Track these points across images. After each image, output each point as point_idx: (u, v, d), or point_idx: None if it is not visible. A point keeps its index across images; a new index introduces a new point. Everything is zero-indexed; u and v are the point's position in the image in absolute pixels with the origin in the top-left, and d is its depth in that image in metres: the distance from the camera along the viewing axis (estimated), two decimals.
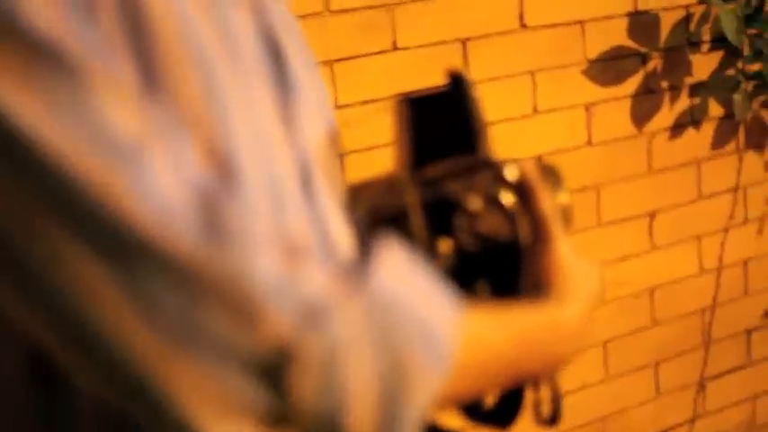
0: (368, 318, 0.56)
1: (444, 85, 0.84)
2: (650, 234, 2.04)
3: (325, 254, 0.57)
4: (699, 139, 2.06)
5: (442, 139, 0.81)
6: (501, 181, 0.82)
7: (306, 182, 0.62)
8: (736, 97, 1.97)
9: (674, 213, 2.06)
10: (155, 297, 0.49)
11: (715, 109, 2.06)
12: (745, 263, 2.18)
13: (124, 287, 0.49)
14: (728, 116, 2.08)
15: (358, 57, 1.70)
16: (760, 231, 2.17)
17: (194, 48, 0.53)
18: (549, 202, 0.77)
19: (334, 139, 0.76)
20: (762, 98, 2.04)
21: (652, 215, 2.03)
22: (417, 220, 0.79)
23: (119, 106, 0.49)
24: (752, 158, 2.13)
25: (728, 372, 2.22)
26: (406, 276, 0.60)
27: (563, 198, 0.86)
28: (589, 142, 1.94)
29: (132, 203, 0.49)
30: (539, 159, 0.79)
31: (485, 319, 0.65)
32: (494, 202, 0.81)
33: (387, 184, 0.83)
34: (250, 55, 0.59)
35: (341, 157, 0.70)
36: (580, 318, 0.73)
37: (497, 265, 0.82)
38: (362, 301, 0.55)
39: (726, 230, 2.14)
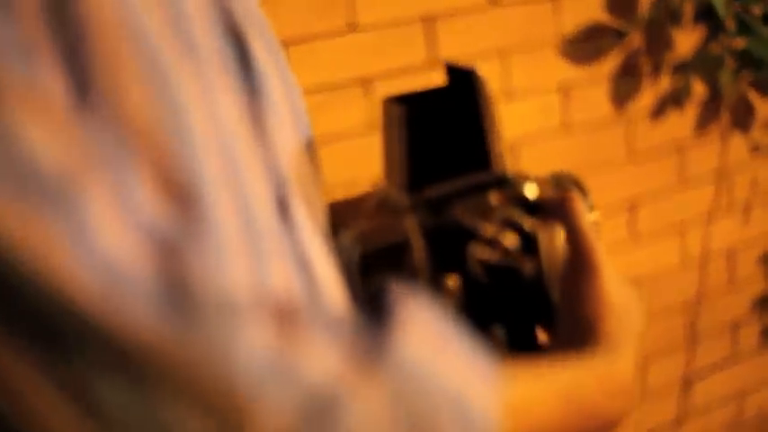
0: (391, 407, 0.43)
1: (446, 83, 0.69)
2: (631, 223, 1.93)
3: (322, 317, 0.45)
4: (682, 122, 1.96)
5: (445, 149, 0.67)
6: (519, 201, 0.68)
7: (282, 208, 0.51)
8: (723, 76, 1.87)
9: (656, 200, 1.96)
10: (104, 401, 0.38)
11: (699, 89, 1.95)
12: (731, 252, 2.10)
13: (64, 389, 0.37)
14: (713, 97, 1.97)
15: (313, 39, 1.56)
16: (746, 218, 2.08)
17: (140, 43, 0.42)
18: (589, 223, 0.64)
19: (312, 152, 0.62)
20: (748, 77, 1.94)
21: (632, 202, 1.92)
22: (419, 252, 0.65)
23: (42, 129, 0.38)
24: (737, 141, 2.04)
25: (715, 367, 2.12)
26: (432, 341, 0.47)
27: (592, 216, 0.72)
28: (564, 126, 1.83)
29: (66, 269, 0.37)
30: (558, 171, 0.68)
31: (528, 382, 0.54)
32: (512, 227, 0.67)
33: (378, 207, 0.68)
34: (209, 50, 0.48)
35: (319, 172, 0.55)
36: (632, 368, 0.61)
37: (516, 306, 0.68)
38: (383, 385, 0.43)
39: (710, 218, 2.04)
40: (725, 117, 2.02)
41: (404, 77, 1.66)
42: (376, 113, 1.66)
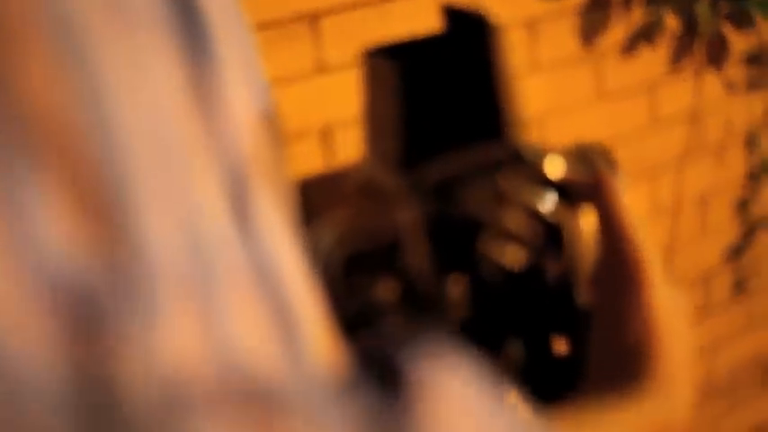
0: None
1: (443, 30, 0.55)
2: None
3: (311, 393, 0.35)
4: (653, 59, 1.87)
5: (445, 116, 0.54)
6: (540, 182, 0.55)
7: (240, 208, 0.40)
8: (699, 8, 1.77)
9: (626, 143, 1.88)
10: None
11: (672, 23, 1.86)
12: (704, 198, 2.03)
13: None
14: (687, 31, 1.88)
15: None
16: (720, 161, 2.01)
17: None
18: (632, 213, 0.51)
19: (273, 124, 0.49)
20: (725, 8, 1.85)
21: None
22: (417, 250, 0.52)
23: None
24: (711, 79, 1.95)
25: None
26: (466, 421, 0.37)
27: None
28: (531, 65, 1.72)
29: None
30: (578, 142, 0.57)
31: None
32: (531, 216, 0.54)
33: (361, 191, 0.55)
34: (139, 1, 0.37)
35: (282, 148, 0.41)
36: (688, 408, 0.49)
37: (535, 314, 0.55)
38: None
39: (682, 161, 1.97)
40: (699, 53, 1.94)
41: (356, 11, 1.53)
42: (325, 54, 1.52)
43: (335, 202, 0.53)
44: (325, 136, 1.52)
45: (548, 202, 0.54)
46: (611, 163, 0.60)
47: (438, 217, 0.52)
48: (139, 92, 0.35)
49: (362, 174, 0.56)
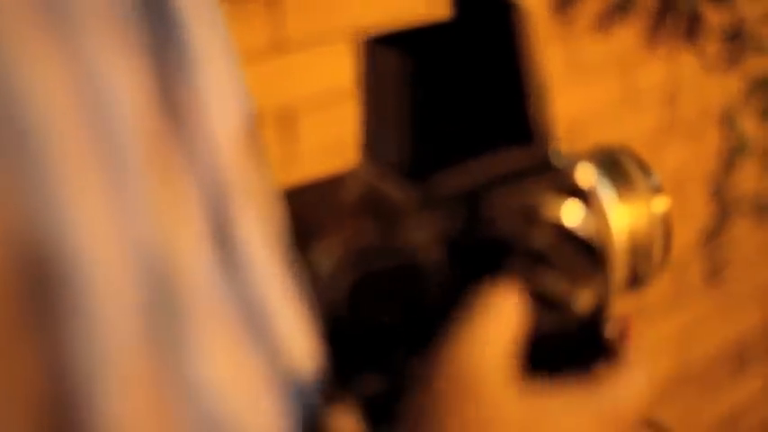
0: None
1: (458, 16, 0.48)
2: (570, 147, 1.82)
3: None
4: (627, 35, 1.83)
5: (463, 117, 0.47)
6: (572, 193, 0.48)
7: (221, 225, 0.40)
8: None
9: (598, 122, 1.84)
10: None
11: None
12: (678, 180, 2.01)
13: None
14: (663, 6, 1.86)
15: None
16: (695, 142, 1.98)
17: None
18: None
19: (252, 132, 0.46)
20: None
21: (573, 124, 1.80)
22: (435, 276, 0.45)
23: None
24: (687, 57, 1.93)
25: (657, 309, 2.04)
26: None
27: (659, 204, 0.53)
28: None
29: None
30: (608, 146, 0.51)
31: None
32: (566, 237, 0.47)
33: (363, 205, 0.48)
34: None
35: (265, 159, 0.34)
36: None
37: (565, 349, 0.49)
38: None
39: (656, 141, 1.95)
40: (675, 29, 1.90)
41: None
42: (285, 31, 1.44)
43: (332, 216, 0.45)
44: (284, 121, 1.45)
45: (578, 216, 0.47)
46: (643, 168, 0.53)
47: (458, 237, 0.45)
48: (83, 109, 0.31)
49: (362, 183, 0.48)
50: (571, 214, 0.47)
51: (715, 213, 2.08)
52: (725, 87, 2.00)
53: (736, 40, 1.96)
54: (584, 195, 0.47)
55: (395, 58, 0.45)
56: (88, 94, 0.32)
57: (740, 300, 2.20)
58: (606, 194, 0.50)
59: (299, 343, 0.42)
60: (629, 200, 0.50)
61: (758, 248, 2.19)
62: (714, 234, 2.09)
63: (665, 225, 0.51)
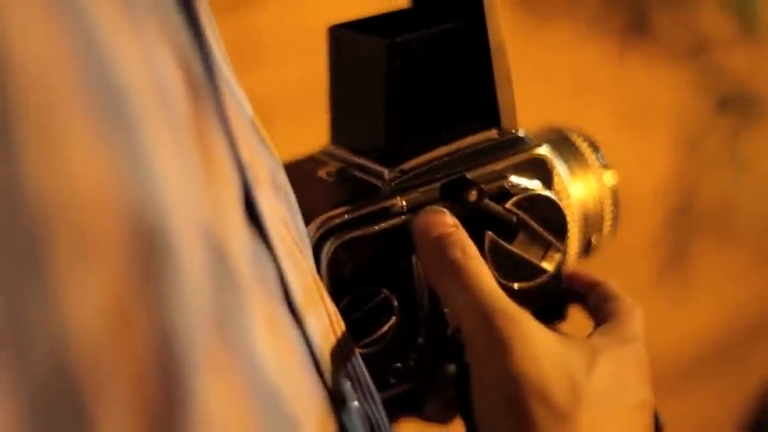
0: None
1: (421, 4, 0.56)
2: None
3: None
4: (574, 24, 1.90)
5: (433, 99, 0.54)
6: (533, 167, 0.56)
7: (250, 211, 0.46)
8: None
9: (544, 118, 1.91)
10: None
11: None
12: (626, 180, 2.08)
13: None
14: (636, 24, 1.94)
15: None
16: (644, 140, 2.07)
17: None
18: None
19: (261, 130, 0.52)
20: None
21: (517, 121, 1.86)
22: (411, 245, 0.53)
23: None
24: (635, 51, 2.01)
25: None
26: None
27: (608, 178, 0.61)
28: None
29: None
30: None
31: None
32: (531, 206, 0.55)
33: (340, 186, 0.55)
34: None
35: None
36: None
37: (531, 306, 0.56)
38: None
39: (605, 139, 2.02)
40: (622, 21, 1.98)
41: None
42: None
43: (306, 194, 0.53)
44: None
45: (541, 187, 0.56)
46: (592, 145, 0.62)
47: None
48: (159, 103, 0.37)
49: (335, 163, 0.56)
50: (535, 184, 0.55)
51: (665, 211, 2.17)
52: (674, 83, 2.09)
53: (702, 58, 2.05)
54: (544, 167, 0.56)
55: (373, 45, 0.53)
56: (153, 72, 0.37)
57: (690, 301, 2.28)
58: (562, 168, 0.58)
59: (315, 317, 0.48)
60: (581, 173, 0.59)
61: (721, 269, 2.27)
62: (658, 238, 2.17)
63: (614, 197, 0.60)
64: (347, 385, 0.49)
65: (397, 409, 0.56)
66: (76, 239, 0.34)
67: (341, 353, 0.49)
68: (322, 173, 0.56)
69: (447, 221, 0.52)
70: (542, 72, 1.89)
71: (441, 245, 0.51)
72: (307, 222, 0.52)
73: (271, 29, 1.51)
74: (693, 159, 2.16)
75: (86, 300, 0.34)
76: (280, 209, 0.48)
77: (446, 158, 0.54)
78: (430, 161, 0.54)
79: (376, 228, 0.52)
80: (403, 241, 0.52)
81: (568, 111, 1.94)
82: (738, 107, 2.14)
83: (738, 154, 2.16)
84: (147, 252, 0.35)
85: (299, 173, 0.54)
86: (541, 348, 0.49)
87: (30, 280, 0.33)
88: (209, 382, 0.39)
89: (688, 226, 2.20)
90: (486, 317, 0.49)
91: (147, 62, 0.37)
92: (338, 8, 0.61)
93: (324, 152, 0.57)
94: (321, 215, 0.52)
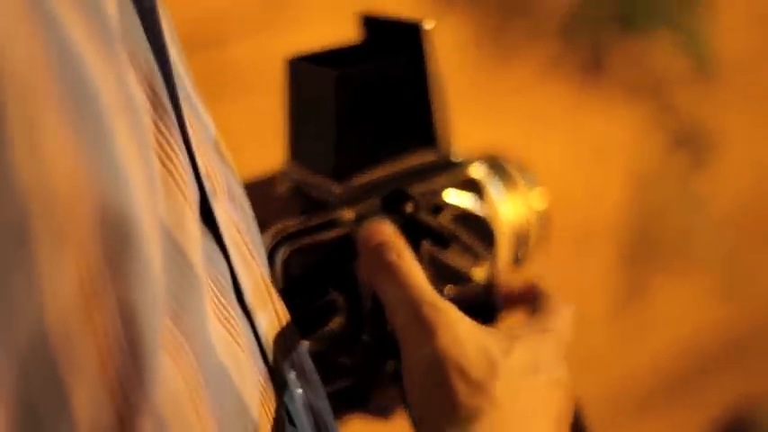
0: None
1: (368, 39, 0.64)
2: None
3: None
4: (534, 62, 1.96)
5: (378, 123, 0.62)
6: (468, 186, 0.64)
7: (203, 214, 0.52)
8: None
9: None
10: None
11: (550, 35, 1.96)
12: (584, 205, 2.13)
13: None
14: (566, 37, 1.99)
15: None
16: (602, 177, 2.11)
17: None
18: None
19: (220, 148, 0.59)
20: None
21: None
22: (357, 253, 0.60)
23: None
24: (589, 100, 2.07)
25: None
26: None
27: (535, 197, 0.69)
28: None
29: None
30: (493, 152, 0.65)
31: None
32: (465, 220, 0.63)
33: (293, 201, 0.62)
34: (111, 15, 0.45)
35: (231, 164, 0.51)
36: None
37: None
38: None
39: (559, 172, 2.06)
40: (580, 59, 2.03)
41: None
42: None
43: (264, 210, 0.60)
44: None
45: (474, 204, 0.63)
46: (522, 168, 0.69)
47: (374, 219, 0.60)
48: (128, 116, 0.42)
49: (291, 181, 0.63)
50: (468, 202, 0.63)
51: (622, 248, 2.24)
52: (647, 143, 2.14)
53: (657, 96, 2.10)
54: (477, 187, 0.63)
55: (324, 76, 0.60)
56: (122, 86, 0.42)
57: (643, 334, 2.31)
58: (494, 187, 0.66)
59: (264, 313, 0.54)
60: (510, 192, 0.67)
61: (678, 302, 2.32)
62: (619, 267, 2.21)
63: (541, 214, 0.68)
64: (292, 374, 0.55)
65: (343, 404, 0.62)
66: (54, 227, 0.38)
67: (286, 345, 0.55)
68: (280, 188, 0.63)
69: (386, 230, 0.59)
70: (502, 106, 1.94)
71: (379, 250, 0.58)
72: (264, 231, 0.59)
73: (240, 63, 1.58)
74: (648, 195, 2.19)
75: (62, 282, 0.38)
76: (234, 217, 0.54)
77: (389, 176, 0.61)
78: (374, 178, 0.61)
79: (325, 236, 0.59)
80: (349, 248, 0.59)
81: (525, 145, 1.98)
82: (692, 144, 2.18)
83: (692, 190, 2.20)
84: (114, 240, 0.40)
85: (260, 189, 0.61)
86: (463, 334, 0.55)
87: (15, 262, 0.37)
88: (167, 360, 0.44)
89: (644, 260, 2.23)
90: (415, 308, 0.55)
91: (117, 78, 0.42)
92: (302, 44, 0.69)
93: (281, 171, 0.64)
94: (276, 225, 0.59)
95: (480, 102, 1.91)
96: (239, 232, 0.54)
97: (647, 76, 2.11)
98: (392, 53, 0.62)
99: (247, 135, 1.63)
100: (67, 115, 0.38)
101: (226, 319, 0.51)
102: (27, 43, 0.37)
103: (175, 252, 0.46)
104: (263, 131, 1.65)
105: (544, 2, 1.94)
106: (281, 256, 0.58)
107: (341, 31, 0.71)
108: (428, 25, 0.60)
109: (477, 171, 0.64)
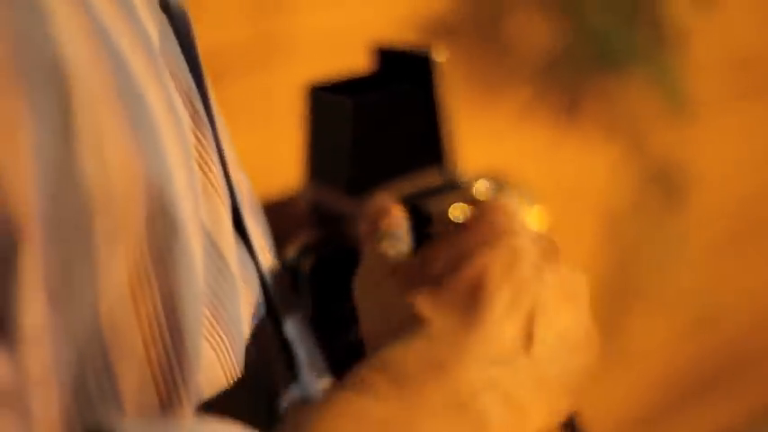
0: None
1: (383, 68, 0.70)
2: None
3: None
4: (513, 101, 2.02)
5: (390, 146, 0.68)
6: (472, 203, 0.70)
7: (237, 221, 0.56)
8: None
9: None
10: None
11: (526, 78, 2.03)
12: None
13: None
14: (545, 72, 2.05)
15: None
16: (576, 215, 2.16)
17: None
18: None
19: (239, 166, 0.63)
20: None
21: None
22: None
23: None
24: (566, 139, 2.12)
25: None
26: None
27: (534, 213, 0.75)
28: None
29: None
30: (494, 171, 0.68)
31: None
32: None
33: (314, 216, 0.68)
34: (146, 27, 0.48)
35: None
36: None
37: None
38: None
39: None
40: (557, 99, 2.06)
41: None
42: None
43: (287, 227, 0.66)
44: None
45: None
46: (520, 186, 0.76)
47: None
48: (173, 121, 0.46)
49: (311, 198, 0.69)
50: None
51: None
52: (621, 182, 2.18)
53: (631, 135, 2.15)
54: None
55: (343, 103, 0.66)
56: (169, 100, 0.46)
57: (627, 369, 2.36)
58: None
59: (290, 319, 0.59)
60: None
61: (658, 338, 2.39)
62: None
63: (541, 229, 0.74)
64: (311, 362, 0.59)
65: None
66: (112, 222, 0.41)
67: (308, 340, 0.60)
68: (300, 204, 0.69)
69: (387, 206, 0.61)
70: (480, 146, 1.96)
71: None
72: (288, 244, 0.65)
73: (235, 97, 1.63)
74: (623, 232, 2.24)
75: (115, 274, 0.41)
76: (258, 226, 0.59)
77: (400, 192, 0.67)
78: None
79: (344, 247, 0.65)
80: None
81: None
82: (667, 183, 2.20)
83: (666, 228, 2.25)
84: (161, 235, 0.43)
85: (279, 206, 0.67)
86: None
87: (79, 254, 0.40)
88: (208, 349, 0.47)
89: (619, 295, 2.28)
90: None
91: (162, 88, 0.46)
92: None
93: (301, 189, 0.70)
94: (300, 237, 0.65)
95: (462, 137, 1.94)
96: (263, 238, 0.59)
97: (622, 115, 2.15)
98: (404, 81, 0.68)
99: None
100: (126, 120, 0.42)
101: (257, 323, 0.54)
102: (87, 49, 0.41)
103: (213, 251, 0.49)
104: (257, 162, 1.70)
105: (524, 44, 1.99)
106: (307, 265, 0.64)
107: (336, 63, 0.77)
108: (439, 57, 0.67)
109: (480, 189, 0.70)
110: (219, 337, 0.49)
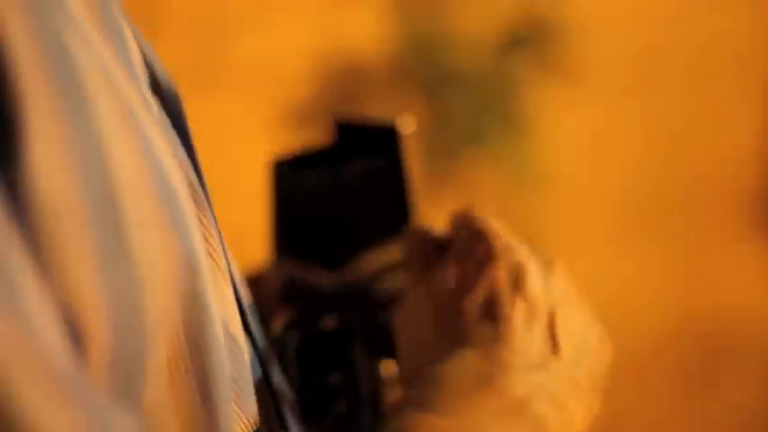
0: None
1: (332, 140, 0.71)
2: None
3: None
4: None
5: (364, 218, 0.69)
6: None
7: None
8: None
9: None
10: None
11: None
12: None
13: None
14: None
15: None
16: None
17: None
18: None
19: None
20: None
21: None
22: (360, 346, 0.67)
23: None
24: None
25: None
26: None
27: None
28: None
29: None
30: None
31: None
32: None
33: (288, 292, 0.69)
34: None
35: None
36: None
37: None
38: None
39: None
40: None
41: None
42: None
43: (260, 302, 0.66)
44: None
45: None
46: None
47: (369, 308, 0.67)
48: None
49: (284, 274, 0.69)
50: None
51: None
52: None
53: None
54: None
55: (314, 177, 0.67)
56: (181, 172, 0.48)
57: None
58: None
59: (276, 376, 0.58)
60: None
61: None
62: None
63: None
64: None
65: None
66: (139, 208, 0.42)
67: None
68: (274, 281, 0.69)
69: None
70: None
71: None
72: (271, 320, 0.65)
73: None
74: None
75: (157, 360, 0.42)
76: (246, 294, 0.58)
77: (377, 265, 0.69)
78: (364, 267, 0.68)
79: (327, 323, 0.66)
80: (350, 333, 0.66)
81: None
82: None
83: None
84: (196, 317, 0.44)
85: (259, 281, 0.68)
86: None
87: (116, 244, 0.41)
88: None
89: None
90: None
91: (179, 168, 0.47)
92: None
93: (272, 265, 0.70)
94: (281, 313, 0.66)
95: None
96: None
97: (476, 189, 2.23)
98: (370, 154, 0.69)
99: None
100: (165, 216, 0.44)
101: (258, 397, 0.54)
102: (134, 165, 0.43)
103: (229, 338, 0.50)
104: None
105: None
106: (293, 342, 0.65)
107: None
108: (405, 130, 0.69)
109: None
110: (246, 421, 0.50)
